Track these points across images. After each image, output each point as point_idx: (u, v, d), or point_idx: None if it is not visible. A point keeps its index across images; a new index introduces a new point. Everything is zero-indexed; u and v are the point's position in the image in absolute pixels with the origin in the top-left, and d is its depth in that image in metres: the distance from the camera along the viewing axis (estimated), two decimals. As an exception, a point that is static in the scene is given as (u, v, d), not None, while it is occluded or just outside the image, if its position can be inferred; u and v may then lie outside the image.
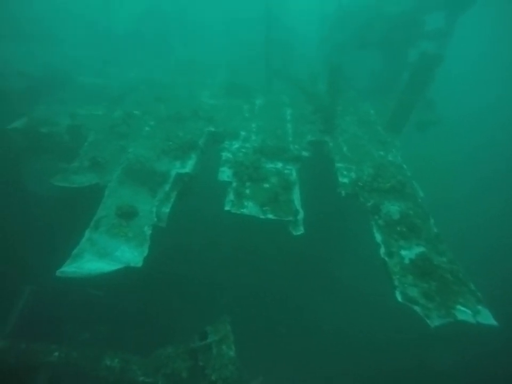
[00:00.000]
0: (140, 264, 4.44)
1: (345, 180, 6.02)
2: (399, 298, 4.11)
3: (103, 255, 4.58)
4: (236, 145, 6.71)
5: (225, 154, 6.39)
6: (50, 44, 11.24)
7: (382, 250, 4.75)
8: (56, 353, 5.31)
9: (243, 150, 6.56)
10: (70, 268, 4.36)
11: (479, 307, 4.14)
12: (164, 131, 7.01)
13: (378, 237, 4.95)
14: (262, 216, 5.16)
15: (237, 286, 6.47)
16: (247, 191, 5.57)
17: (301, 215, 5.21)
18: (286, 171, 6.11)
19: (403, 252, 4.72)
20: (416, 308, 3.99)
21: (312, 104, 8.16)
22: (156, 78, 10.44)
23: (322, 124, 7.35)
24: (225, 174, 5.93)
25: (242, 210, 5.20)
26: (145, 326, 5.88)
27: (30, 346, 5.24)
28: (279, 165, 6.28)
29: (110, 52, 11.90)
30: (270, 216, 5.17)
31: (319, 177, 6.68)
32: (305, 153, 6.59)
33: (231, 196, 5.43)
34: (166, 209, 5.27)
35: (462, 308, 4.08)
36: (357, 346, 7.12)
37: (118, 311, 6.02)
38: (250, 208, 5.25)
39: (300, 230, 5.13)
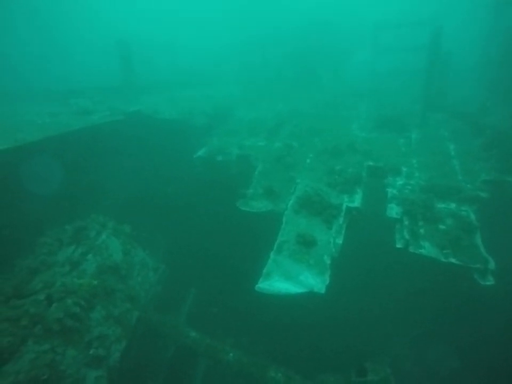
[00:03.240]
0: (322, 291, 4.80)
1: (543, 229, 5.31)
2: None
3: (288, 277, 5.14)
4: (400, 181, 6.68)
5: (391, 191, 6.43)
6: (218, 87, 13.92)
7: None
8: (231, 354, 6.13)
9: (408, 187, 6.48)
10: (264, 285, 5.05)
11: None
12: (324, 164, 7.51)
13: None
14: (443, 259, 4.96)
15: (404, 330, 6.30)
16: (421, 231, 5.46)
17: (491, 265, 4.80)
18: (462, 212, 5.76)
19: None
20: None
21: (482, 139, 7.53)
22: (303, 109, 11.37)
23: (500, 161, 6.67)
24: (394, 210, 5.95)
25: (420, 250, 5.11)
26: (308, 346, 6.25)
27: (213, 342, 6.19)
28: (452, 205, 5.96)
29: (261, 87, 13.70)
30: (453, 260, 4.93)
31: (505, 222, 6.03)
32: (482, 194, 6.08)
33: (405, 234, 5.41)
34: (339, 241, 5.61)
35: None
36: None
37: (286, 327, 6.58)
38: (428, 249, 5.12)
39: (489, 280, 4.72)
